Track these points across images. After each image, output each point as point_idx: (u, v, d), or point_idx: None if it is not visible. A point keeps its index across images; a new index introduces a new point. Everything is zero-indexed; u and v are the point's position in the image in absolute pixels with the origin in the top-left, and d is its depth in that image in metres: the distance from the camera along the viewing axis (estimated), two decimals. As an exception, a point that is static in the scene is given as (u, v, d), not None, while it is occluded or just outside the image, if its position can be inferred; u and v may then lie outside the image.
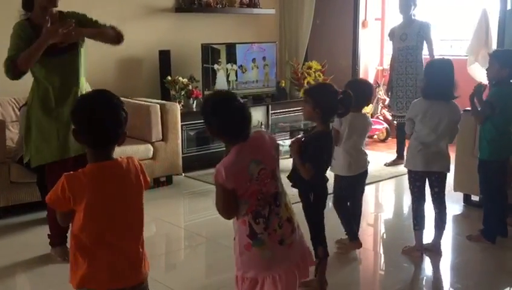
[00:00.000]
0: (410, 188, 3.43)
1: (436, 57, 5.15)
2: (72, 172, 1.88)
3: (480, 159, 3.61)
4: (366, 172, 3.44)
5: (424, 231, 3.43)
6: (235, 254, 2.13)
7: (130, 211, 1.94)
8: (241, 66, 5.91)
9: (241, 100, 2.12)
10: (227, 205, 2.06)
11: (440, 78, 3.24)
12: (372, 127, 6.66)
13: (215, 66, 5.70)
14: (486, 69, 3.62)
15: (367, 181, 3.54)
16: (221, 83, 5.73)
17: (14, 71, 3.14)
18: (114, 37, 3.33)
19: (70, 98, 3.25)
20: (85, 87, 3.37)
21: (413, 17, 5.43)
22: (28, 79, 3.34)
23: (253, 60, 6.02)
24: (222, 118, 2.05)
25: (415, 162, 3.35)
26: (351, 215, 3.46)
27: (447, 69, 3.25)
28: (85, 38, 3.31)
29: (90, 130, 1.87)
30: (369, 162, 3.45)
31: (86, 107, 1.90)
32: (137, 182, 1.95)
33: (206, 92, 5.62)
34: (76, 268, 1.92)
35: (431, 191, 3.41)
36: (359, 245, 3.44)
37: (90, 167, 1.89)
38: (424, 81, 3.41)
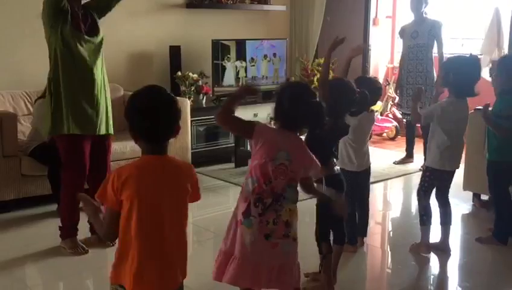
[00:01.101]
0: (426, 186, 3.38)
1: (447, 56, 5.10)
2: (122, 166, 1.87)
3: (489, 159, 3.60)
4: (369, 169, 3.43)
5: (431, 229, 3.43)
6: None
7: (173, 210, 1.89)
8: (252, 59, 5.91)
9: (319, 104, 2.21)
10: (234, 124, 2.21)
11: (477, 76, 3.27)
12: (382, 125, 6.75)
13: (225, 62, 5.69)
14: (493, 76, 3.62)
15: (375, 179, 3.53)
16: (229, 79, 5.74)
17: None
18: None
19: (91, 82, 3.27)
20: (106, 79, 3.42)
21: (424, 15, 5.40)
22: (40, 73, 3.37)
23: (264, 57, 6.02)
24: (295, 107, 2.16)
25: (455, 161, 3.36)
26: (359, 215, 3.45)
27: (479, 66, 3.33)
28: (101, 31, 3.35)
29: (148, 127, 1.84)
30: (370, 163, 3.44)
31: (142, 103, 1.87)
32: (184, 184, 1.92)
33: (216, 88, 5.63)
34: (118, 262, 1.87)
35: (442, 187, 3.42)
36: (355, 250, 3.42)
37: (143, 158, 1.88)
38: (459, 79, 3.24)
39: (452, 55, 3.59)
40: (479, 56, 5.96)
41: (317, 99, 2.22)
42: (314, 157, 2.24)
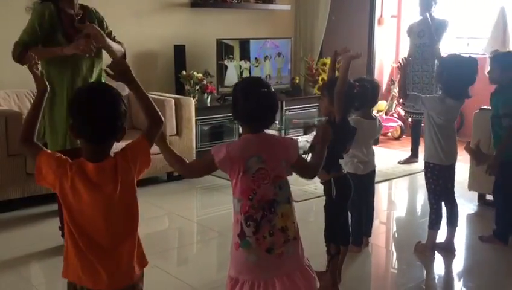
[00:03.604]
0: (433, 188, 3.35)
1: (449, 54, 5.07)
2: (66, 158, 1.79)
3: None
4: (373, 172, 3.42)
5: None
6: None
7: (116, 216, 1.82)
8: (256, 59, 5.90)
9: (271, 89, 2.11)
10: (200, 171, 2.19)
11: (471, 79, 3.21)
12: (387, 124, 6.72)
13: (227, 62, 5.68)
14: (488, 72, 3.57)
15: (380, 179, 3.52)
16: (232, 79, 5.73)
17: (21, 59, 3.08)
18: (123, 54, 3.40)
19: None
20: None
21: (432, 14, 5.40)
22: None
23: (267, 57, 6.01)
24: (246, 101, 2.04)
25: (451, 154, 3.33)
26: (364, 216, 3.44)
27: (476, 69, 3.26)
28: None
29: (85, 123, 1.77)
30: (374, 167, 3.43)
31: (81, 100, 1.80)
32: (128, 180, 1.82)
33: (221, 88, 5.63)
34: (66, 256, 1.83)
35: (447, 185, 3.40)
36: (359, 250, 3.41)
37: (84, 166, 1.78)
38: (452, 79, 3.20)
39: (452, 54, 3.54)
40: (482, 55, 6.08)
41: (270, 90, 2.09)
42: (287, 139, 2.13)
